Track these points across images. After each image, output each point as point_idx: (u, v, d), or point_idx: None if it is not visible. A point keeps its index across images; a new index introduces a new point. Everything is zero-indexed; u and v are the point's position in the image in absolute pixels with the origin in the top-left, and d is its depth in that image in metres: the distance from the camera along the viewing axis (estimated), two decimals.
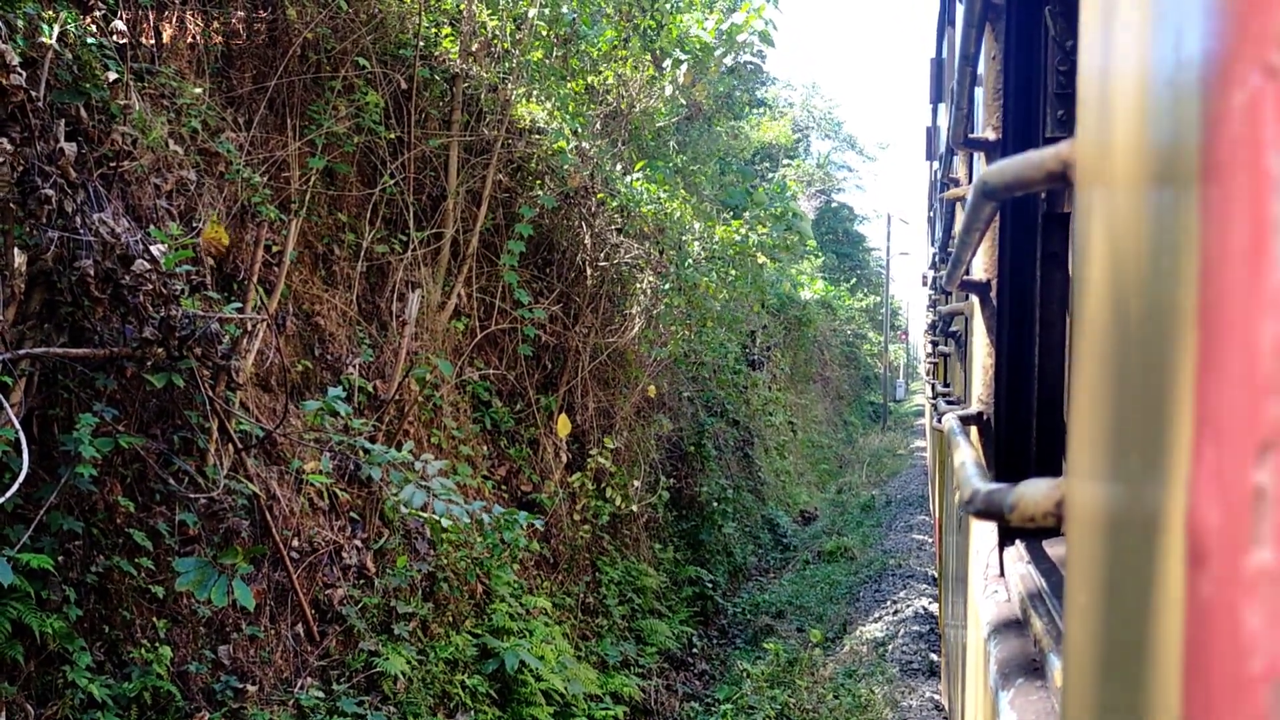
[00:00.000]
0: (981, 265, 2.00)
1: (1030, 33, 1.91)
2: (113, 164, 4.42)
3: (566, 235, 8.88)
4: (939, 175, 6.45)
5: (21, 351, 3.79)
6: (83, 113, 4.29)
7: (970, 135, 2.10)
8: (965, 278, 2.04)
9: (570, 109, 8.78)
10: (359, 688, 5.09)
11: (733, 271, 10.96)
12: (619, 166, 9.60)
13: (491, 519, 5.14)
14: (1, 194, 3.70)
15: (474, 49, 7.78)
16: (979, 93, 2.13)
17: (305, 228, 6.21)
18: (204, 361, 4.45)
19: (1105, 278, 0.67)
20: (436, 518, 4.76)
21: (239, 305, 4.92)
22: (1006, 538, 1.81)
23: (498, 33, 7.91)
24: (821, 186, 36.09)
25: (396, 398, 6.34)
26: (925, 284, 11.34)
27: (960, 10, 2.58)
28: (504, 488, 7.76)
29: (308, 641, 5.00)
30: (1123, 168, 0.62)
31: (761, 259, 11.18)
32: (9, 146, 3.67)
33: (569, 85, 8.99)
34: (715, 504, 11.76)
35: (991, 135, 1.93)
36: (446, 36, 7.66)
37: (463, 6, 7.63)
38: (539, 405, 8.38)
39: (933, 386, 7.08)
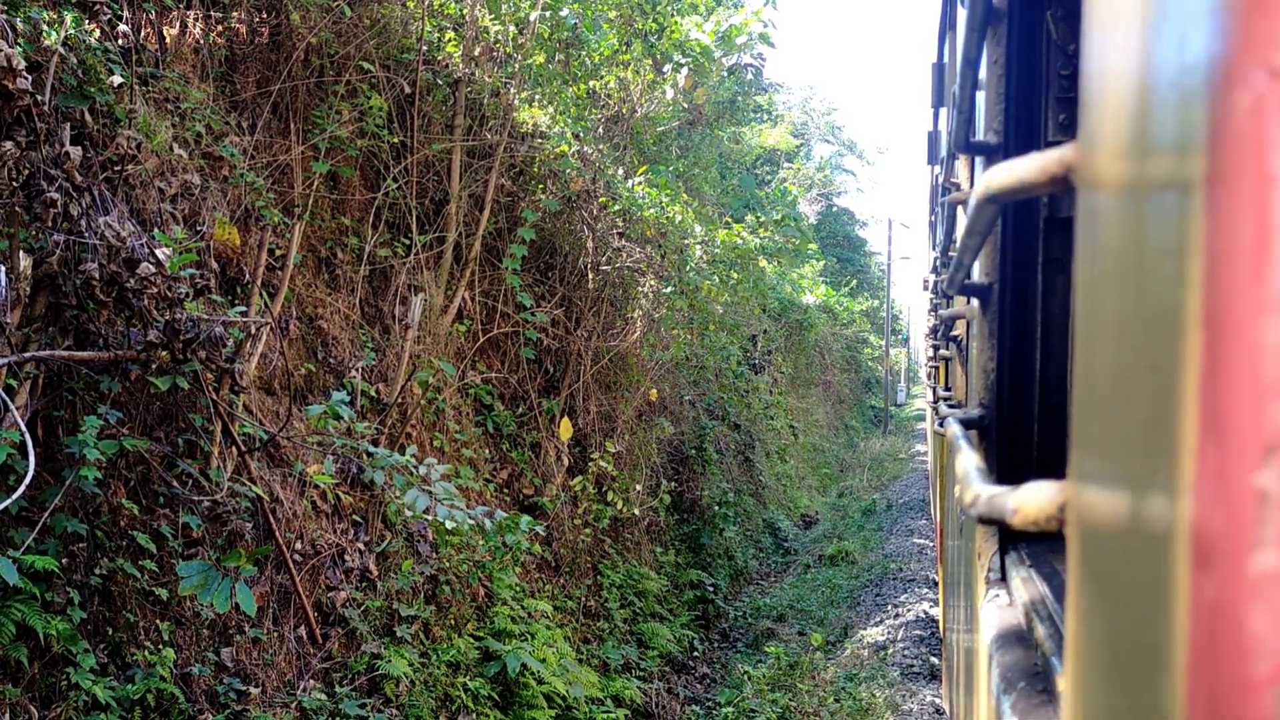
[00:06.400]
0: (983, 269, 2.00)
1: (1032, 37, 1.92)
2: (117, 168, 4.43)
3: (569, 239, 8.89)
4: (940, 180, 6.44)
5: (27, 354, 3.79)
6: (87, 116, 4.30)
7: (971, 139, 2.10)
8: (966, 281, 2.03)
9: (572, 113, 8.79)
10: (361, 690, 5.08)
11: (734, 275, 10.97)
12: (621, 170, 9.61)
13: (494, 524, 5.14)
14: (7, 197, 3.70)
15: (477, 54, 7.79)
16: (980, 97, 2.13)
17: (308, 232, 6.22)
18: (208, 365, 4.45)
19: (1108, 281, 0.67)
20: (440, 521, 4.76)
21: (243, 309, 4.93)
22: (1008, 541, 1.81)
23: (500, 37, 7.92)
24: (822, 190, 36.08)
25: (399, 401, 6.34)
26: (926, 288, 11.33)
27: (962, 15, 2.58)
28: (506, 491, 7.75)
29: (310, 644, 5.00)
30: (1126, 170, 0.62)
31: (763, 262, 11.19)
32: (15, 150, 3.68)
33: (571, 89, 9.00)
34: (716, 508, 11.75)
35: (993, 139, 1.93)
36: (449, 41, 7.67)
37: (465, 11, 7.64)
38: (541, 409, 8.38)
39: (934, 390, 7.07)
